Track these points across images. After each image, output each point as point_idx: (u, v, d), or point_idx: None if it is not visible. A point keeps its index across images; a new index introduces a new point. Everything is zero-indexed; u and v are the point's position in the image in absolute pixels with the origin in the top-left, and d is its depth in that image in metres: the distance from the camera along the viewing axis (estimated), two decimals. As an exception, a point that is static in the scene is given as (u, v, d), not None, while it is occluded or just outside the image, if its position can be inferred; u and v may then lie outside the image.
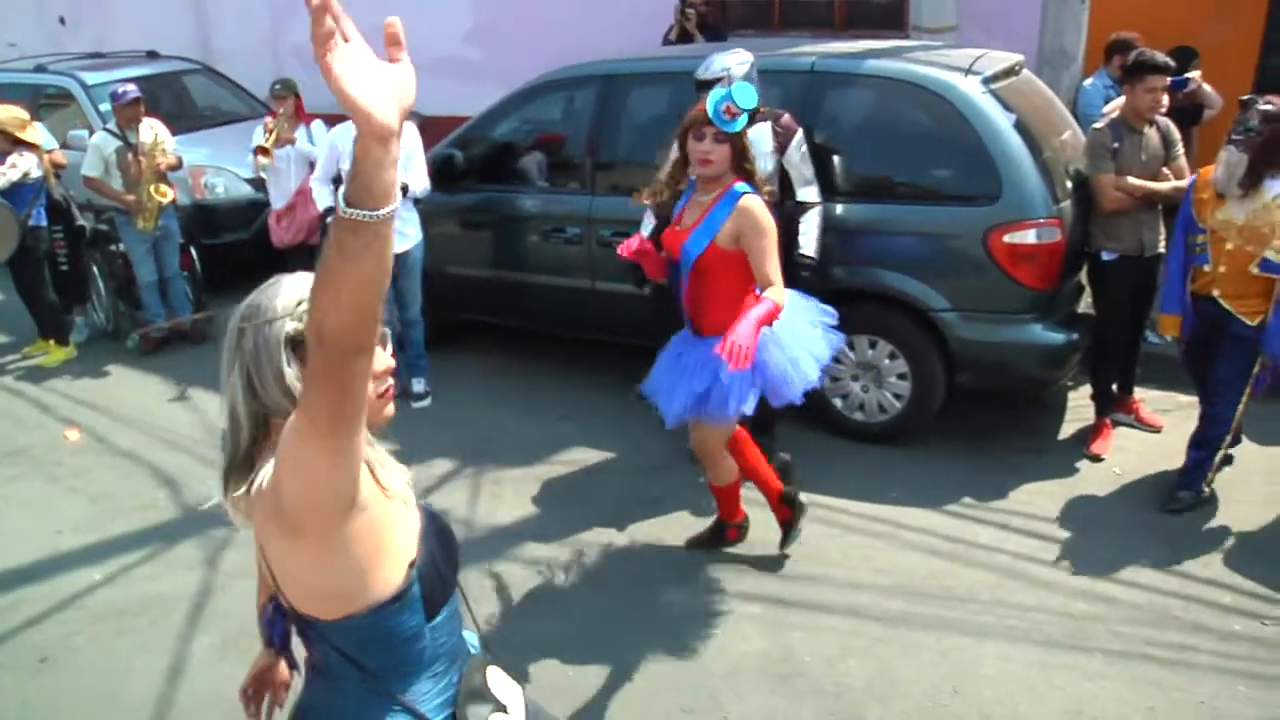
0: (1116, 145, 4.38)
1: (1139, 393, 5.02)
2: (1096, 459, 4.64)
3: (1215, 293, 4.08)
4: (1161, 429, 4.88)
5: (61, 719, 3.31)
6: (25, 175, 6.05)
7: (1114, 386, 4.86)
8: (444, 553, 1.70)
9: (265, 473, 1.49)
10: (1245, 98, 4.06)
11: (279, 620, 1.77)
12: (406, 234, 5.40)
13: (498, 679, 1.80)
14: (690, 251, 3.43)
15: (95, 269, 6.91)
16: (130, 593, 3.98)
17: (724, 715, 3.19)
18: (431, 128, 6.45)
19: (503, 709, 1.74)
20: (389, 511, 1.57)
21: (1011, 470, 4.60)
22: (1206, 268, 4.07)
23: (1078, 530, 4.12)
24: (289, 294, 1.53)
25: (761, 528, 4.21)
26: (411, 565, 1.59)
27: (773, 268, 3.29)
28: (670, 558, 4.05)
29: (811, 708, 3.21)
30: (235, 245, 7.46)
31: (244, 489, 1.55)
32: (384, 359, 1.60)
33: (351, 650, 1.59)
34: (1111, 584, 3.75)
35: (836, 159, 4.70)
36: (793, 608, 3.72)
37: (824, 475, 4.57)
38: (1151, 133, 4.45)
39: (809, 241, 4.41)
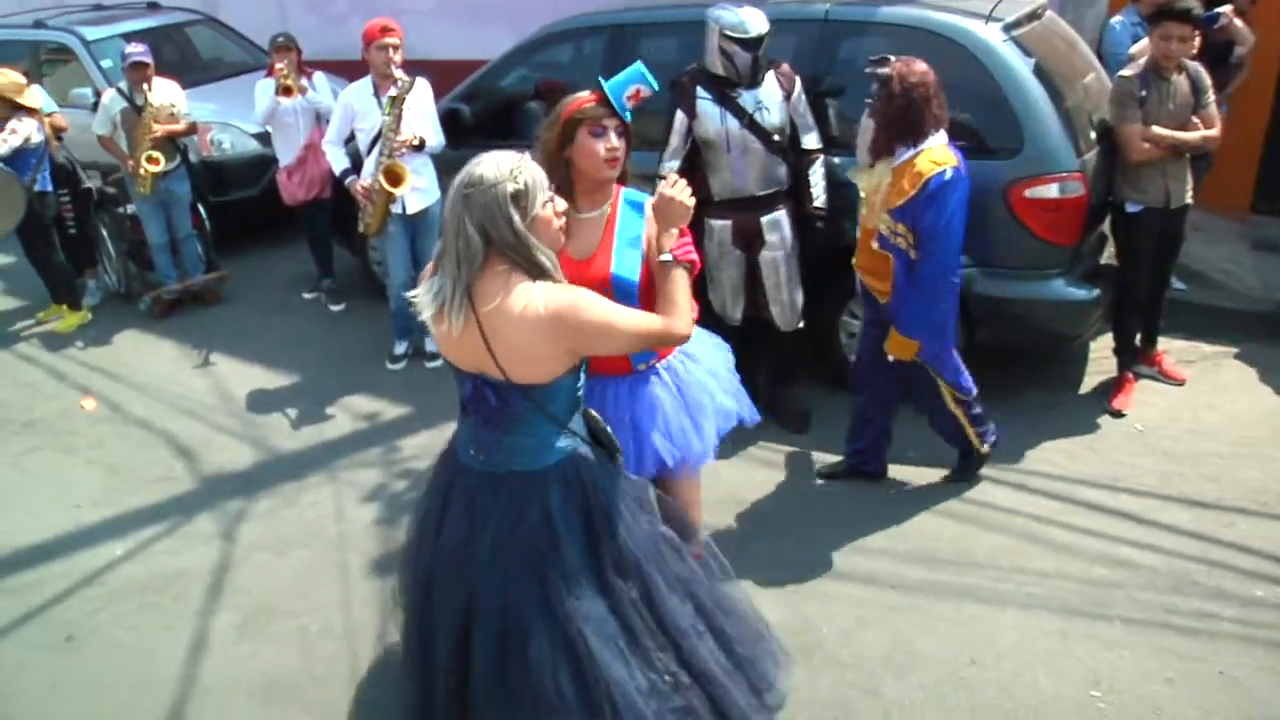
0: (1144, 94, 4.24)
1: (1163, 344, 4.93)
2: (1118, 414, 4.58)
3: (853, 262, 3.92)
4: (1185, 382, 4.81)
5: (90, 699, 3.34)
6: (26, 140, 5.97)
7: (1137, 338, 4.77)
8: None
9: (547, 302, 2.20)
10: (873, 58, 3.77)
11: (486, 391, 2.34)
12: (422, 188, 5.31)
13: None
14: (625, 281, 2.68)
15: (104, 231, 6.87)
16: (151, 568, 4.01)
17: (741, 689, 3.18)
18: (437, 73, 6.34)
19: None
20: None
21: (1030, 427, 4.54)
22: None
23: (1097, 490, 4.07)
24: (500, 165, 2.20)
25: (771, 488, 4.19)
26: None
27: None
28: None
29: (829, 680, 3.20)
30: (244, 203, 7.39)
31: (465, 310, 2.23)
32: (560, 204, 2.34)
33: (545, 402, 2.33)
34: (1132, 548, 3.70)
35: (850, 110, 4.57)
36: (809, 575, 3.71)
37: (838, 433, 4.52)
38: (1180, 79, 4.29)
39: (820, 193, 4.38)
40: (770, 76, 4.26)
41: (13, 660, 3.56)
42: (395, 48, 5.17)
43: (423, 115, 5.27)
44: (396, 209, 5.25)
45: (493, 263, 2.21)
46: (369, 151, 5.28)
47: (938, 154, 3.51)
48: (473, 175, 2.20)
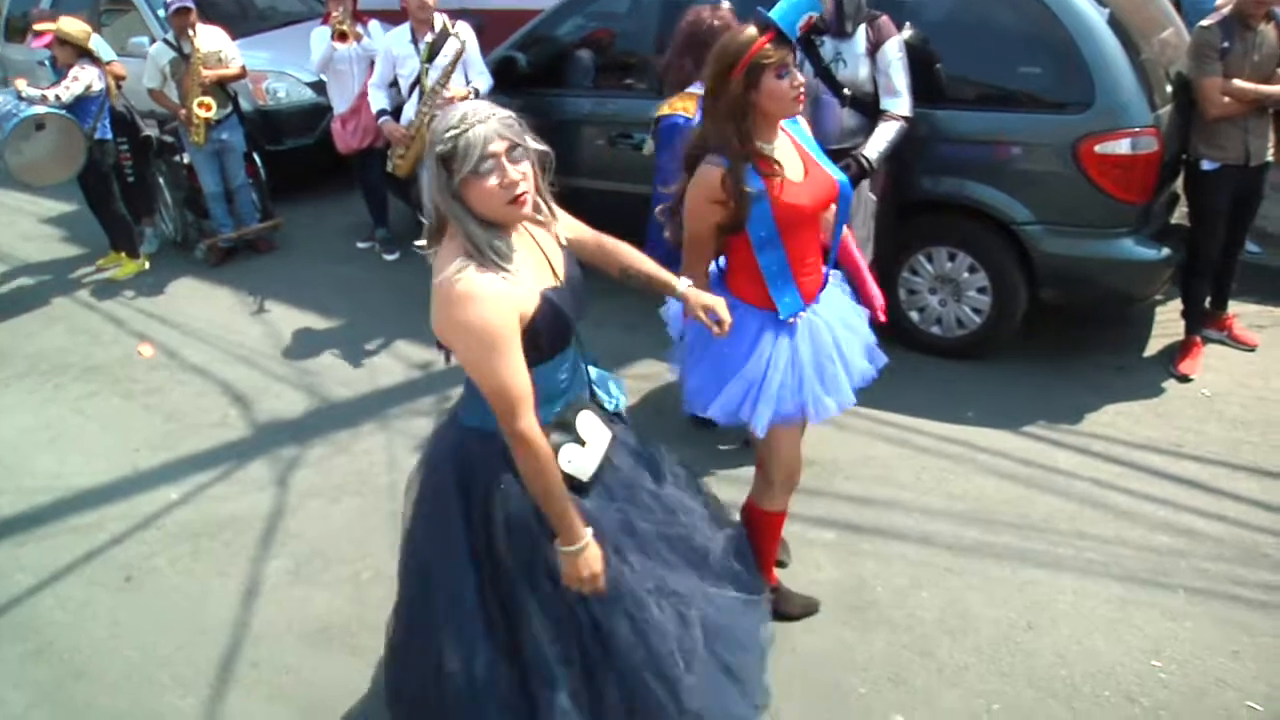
0: (1226, 45, 4.05)
1: (1233, 307, 4.77)
2: (1185, 379, 4.44)
3: None
4: (1256, 347, 4.65)
5: (150, 639, 3.40)
6: (88, 88, 6.03)
7: (1206, 301, 4.62)
8: (554, 312, 2.11)
9: (442, 282, 2.00)
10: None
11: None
12: None
13: (588, 420, 2.28)
14: (845, 185, 2.78)
15: (161, 180, 6.94)
16: (205, 513, 4.06)
17: (793, 647, 3.15)
18: (490, 23, 6.31)
19: (579, 442, 2.23)
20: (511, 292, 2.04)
21: (1093, 389, 4.43)
22: None
23: (1161, 456, 3.96)
24: (448, 120, 1.97)
25: (833, 445, 4.13)
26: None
27: None
28: (744, 479, 3.98)
29: (883, 641, 3.16)
30: (299, 151, 7.43)
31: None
32: (514, 173, 2.00)
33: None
34: (1197, 516, 3.60)
35: (917, 62, 4.43)
36: (865, 534, 3.66)
37: (897, 392, 4.42)
38: (1268, 29, 4.10)
39: (875, 145, 4.09)
40: (862, 29, 4.11)
41: (78, 597, 3.64)
42: None
43: (467, 62, 5.31)
44: None
45: (449, 227, 2.07)
46: (409, 95, 5.31)
47: (677, 100, 3.64)
48: (435, 126, 2.02)
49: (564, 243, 2.28)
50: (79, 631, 3.47)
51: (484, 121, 1.95)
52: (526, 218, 2.09)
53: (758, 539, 3.05)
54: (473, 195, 1.98)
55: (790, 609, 3.24)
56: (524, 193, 2.01)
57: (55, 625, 3.51)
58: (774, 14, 2.53)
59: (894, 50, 4.11)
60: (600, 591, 2.18)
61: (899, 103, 4.15)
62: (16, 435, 4.81)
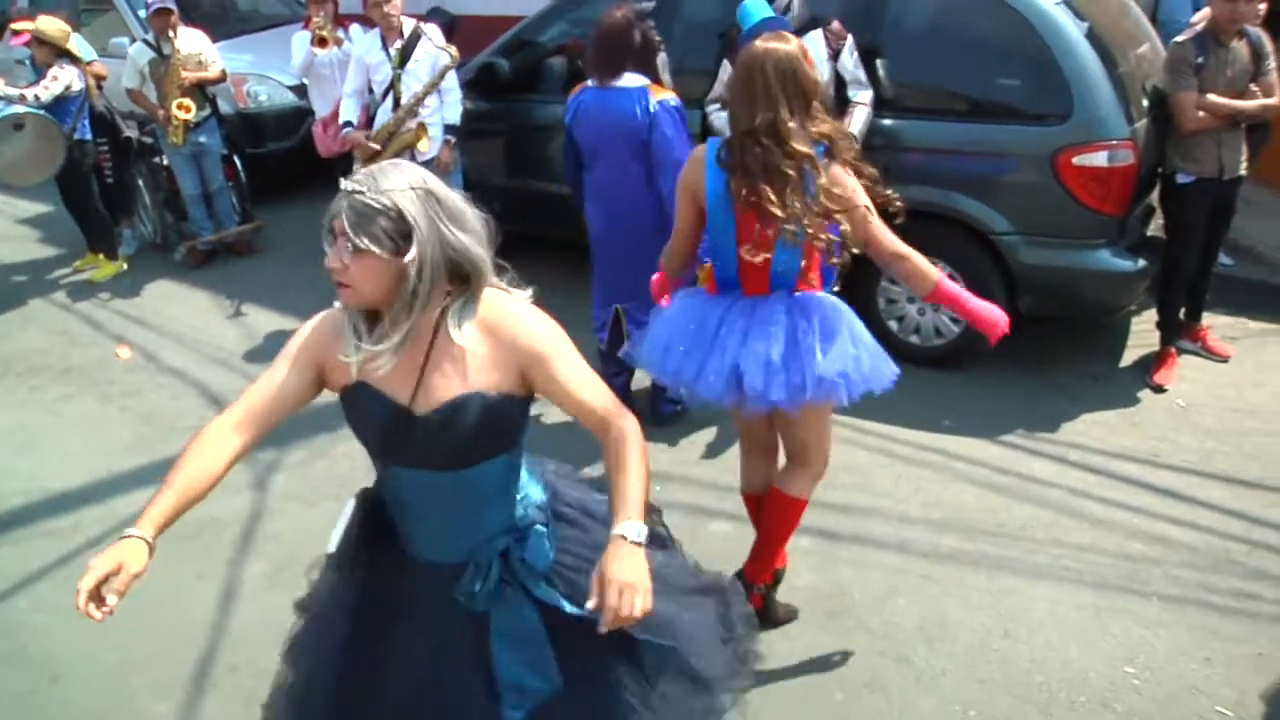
0: (1200, 60, 4.12)
1: (1207, 319, 4.83)
2: (1159, 389, 4.50)
3: None
4: (1229, 358, 4.72)
5: (128, 642, 3.36)
6: (67, 88, 5.99)
7: (1181, 312, 4.67)
8: (348, 405, 2.07)
9: None
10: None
11: None
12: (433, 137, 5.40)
13: (344, 521, 2.20)
14: None
15: (141, 181, 6.90)
16: (183, 516, 4.02)
17: (771, 654, 3.13)
18: (466, 28, 6.32)
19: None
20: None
21: (1070, 399, 4.48)
22: None
23: (1136, 466, 4.01)
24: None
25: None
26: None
27: None
28: (720, 486, 4.00)
29: (859, 648, 3.18)
30: (280, 155, 7.40)
31: None
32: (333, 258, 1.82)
33: None
34: (1170, 525, 3.65)
35: (896, 72, 4.50)
36: (842, 541, 3.68)
37: (875, 400, 4.42)
38: (1240, 45, 4.17)
39: (854, 127, 4.27)
40: (816, 35, 4.22)
41: (53, 600, 3.61)
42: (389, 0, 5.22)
43: (433, 65, 5.33)
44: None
45: None
46: (382, 101, 5.37)
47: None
48: None
49: (480, 383, 1.92)
50: (54, 635, 3.43)
51: (348, 195, 1.77)
52: (351, 306, 1.89)
53: (782, 526, 3.15)
54: None
55: (769, 616, 3.25)
56: (340, 284, 1.82)
57: (30, 629, 3.48)
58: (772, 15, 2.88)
59: (850, 51, 4.36)
60: (80, 581, 1.67)
61: (866, 94, 4.39)
62: (-9, 437, 4.77)
